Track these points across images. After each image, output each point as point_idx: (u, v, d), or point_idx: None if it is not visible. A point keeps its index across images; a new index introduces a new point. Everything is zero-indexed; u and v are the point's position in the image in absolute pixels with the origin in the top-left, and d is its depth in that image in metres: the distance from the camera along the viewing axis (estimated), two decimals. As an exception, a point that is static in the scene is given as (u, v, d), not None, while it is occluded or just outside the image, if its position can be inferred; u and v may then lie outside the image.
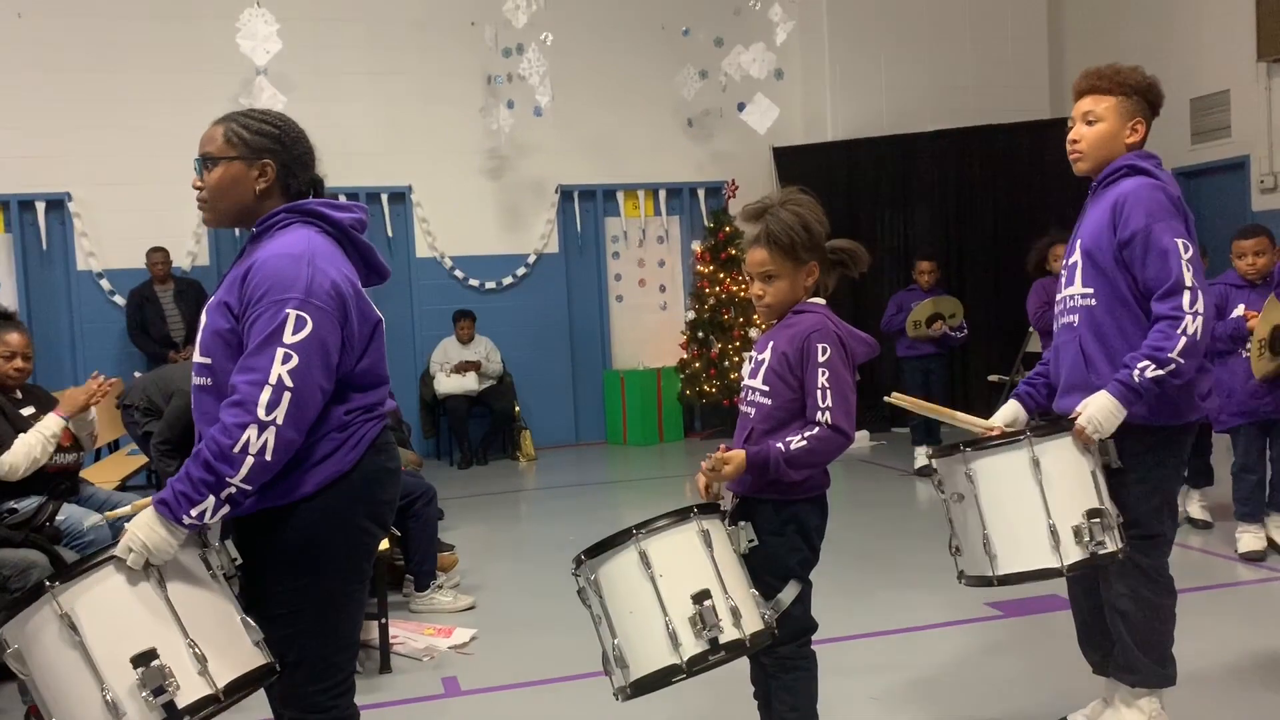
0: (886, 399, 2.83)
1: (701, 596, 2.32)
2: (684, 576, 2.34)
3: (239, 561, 2.18)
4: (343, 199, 2.39)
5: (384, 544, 4.13)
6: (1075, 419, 2.61)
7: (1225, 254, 5.05)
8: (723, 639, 2.31)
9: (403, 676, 3.93)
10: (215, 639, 2.06)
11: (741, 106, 9.22)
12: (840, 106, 9.77)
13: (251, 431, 2.03)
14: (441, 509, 6.51)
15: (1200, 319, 2.55)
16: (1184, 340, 2.53)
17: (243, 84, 8.24)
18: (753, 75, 9.02)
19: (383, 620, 4.01)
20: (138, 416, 5.17)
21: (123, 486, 4.49)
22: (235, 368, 2.10)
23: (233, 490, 2.04)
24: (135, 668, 1.97)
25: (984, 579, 2.51)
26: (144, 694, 1.96)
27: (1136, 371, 2.54)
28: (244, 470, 2.03)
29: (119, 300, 8.57)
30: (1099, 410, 2.57)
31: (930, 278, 7.57)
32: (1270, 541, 4.91)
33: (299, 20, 8.36)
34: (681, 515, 2.41)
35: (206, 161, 2.27)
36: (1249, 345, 4.73)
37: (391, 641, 4.10)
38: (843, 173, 9.49)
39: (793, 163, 9.55)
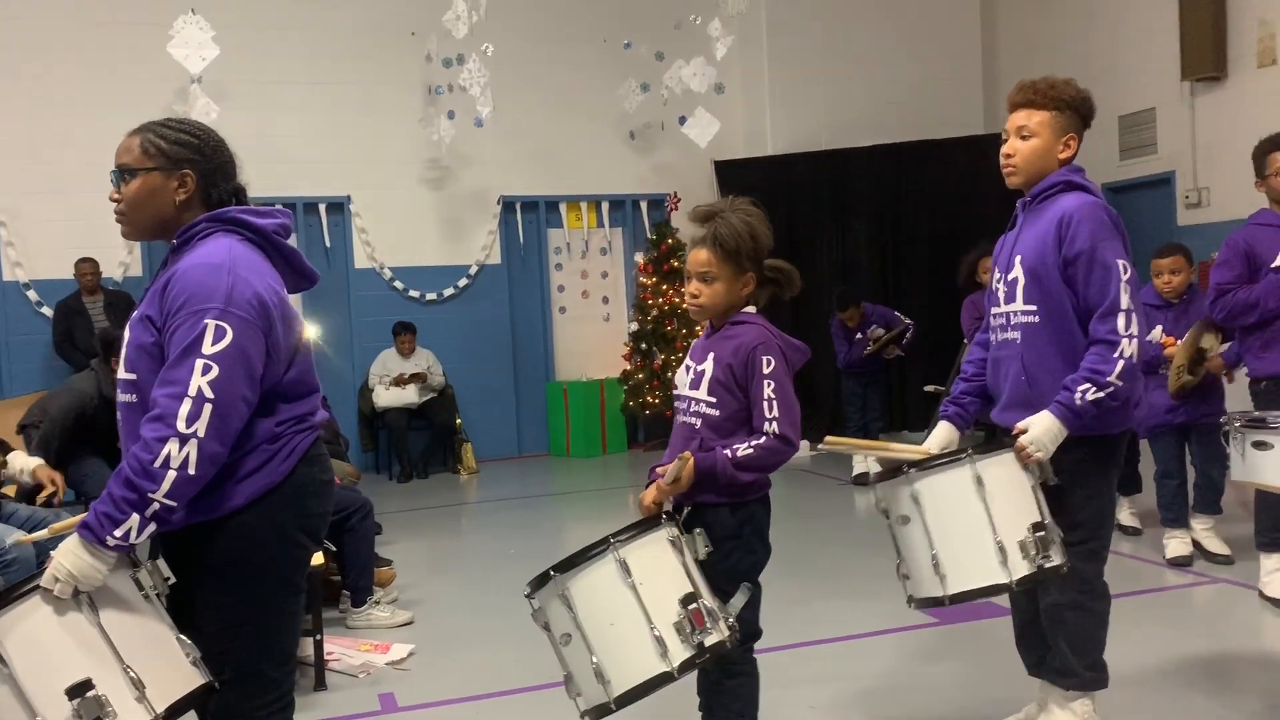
0: (821, 446, 2.84)
1: (688, 600, 2.33)
2: (665, 583, 2.35)
3: (171, 580, 2.13)
4: (279, 207, 2.36)
5: (319, 559, 4.07)
6: (1017, 436, 2.64)
7: (1147, 269, 5.18)
8: (709, 641, 2.33)
9: (339, 693, 3.87)
10: (151, 662, 2.01)
11: (683, 120, 9.28)
12: (779, 121, 9.87)
13: (172, 445, 1.98)
14: (380, 523, 6.43)
15: (1135, 341, 2.61)
16: (1121, 364, 2.59)
17: (177, 93, 8.11)
18: (693, 89, 9.09)
19: (318, 636, 3.95)
20: (34, 435, 5.07)
21: (47, 503, 4.37)
22: (155, 381, 2.06)
23: (157, 507, 1.99)
24: (70, 699, 1.91)
25: (935, 600, 2.52)
26: None
27: (1078, 395, 2.59)
28: (166, 485, 1.98)
29: (46, 312, 8.35)
30: (1043, 432, 2.61)
31: (855, 319, 7.59)
32: (1196, 544, 5.03)
33: (236, 28, 8.24)
34: (651, 522, 2.43)
35: (123, 173, 2.21)
36: (1163, 369, 4.86)
37: (327, 658, 4.04)
38: (782, 186, 9.59)
39: (734, 176, 9.62)
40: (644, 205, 10.09)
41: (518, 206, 9.74)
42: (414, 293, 9.42)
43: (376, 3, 9.15)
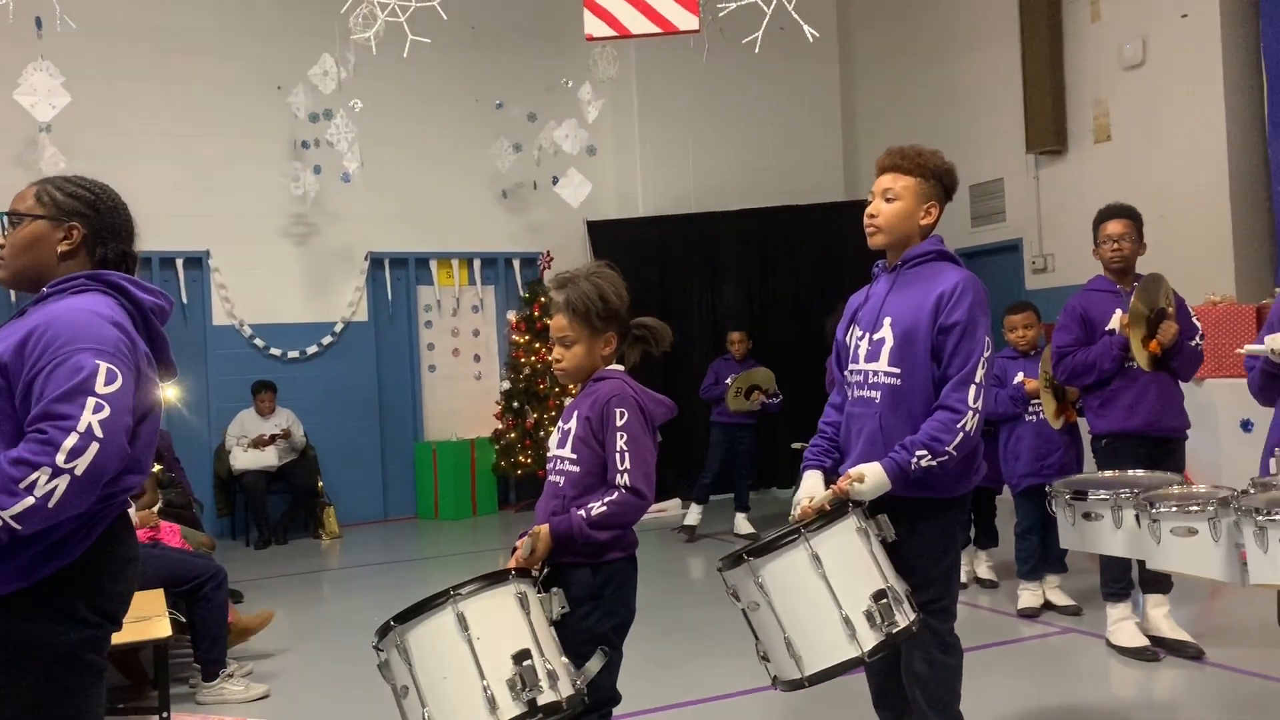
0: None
1: (522, 656, 2.30)
2: (502, 638, 2.33)
3: None
4: (161, 290, 2.28)
5: (168, 631, 3.86)
6: (841, 482, 2.69)
7: (999, 329, 5.42)
8: (541, 700, 2.29)
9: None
10: None
11: (555, 180, 9.34)
12: (650, 183, 10.05)
13: (43, 474, 1.88)
14: (240, 591, 6.17)
15: (978, 417, 2.70)
16: (961, 435, 2.67)
17: (25, 141, 7.74)
18: (566, 150, 9.18)
19: (164, 714, 3.74)
20: None
21: None
22: (34, 414, 1.93)
23: None
24: None
25: (795, 682, 2.51)
26: None
27: (914, 459, 2.65)
28: (19, 509, 1.87)
29: None
30: (872, 485, 2.65)
31: (741, 347, 7.84)
32: (1046, 600, 5.22)
33: (89, 77, 7.94)
34: (498, 577, 2.41)
35: (11, 218, 2.20)
36: (1032, 407, 5.09)
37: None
38: (654, 247, 9.73)
39: (606, 236, 9.72)
40: (516, 263, 10.07)
41: (386, 263, 9.60)
42: (275, 350, 9.14)
43: (240, 55, 8.97)
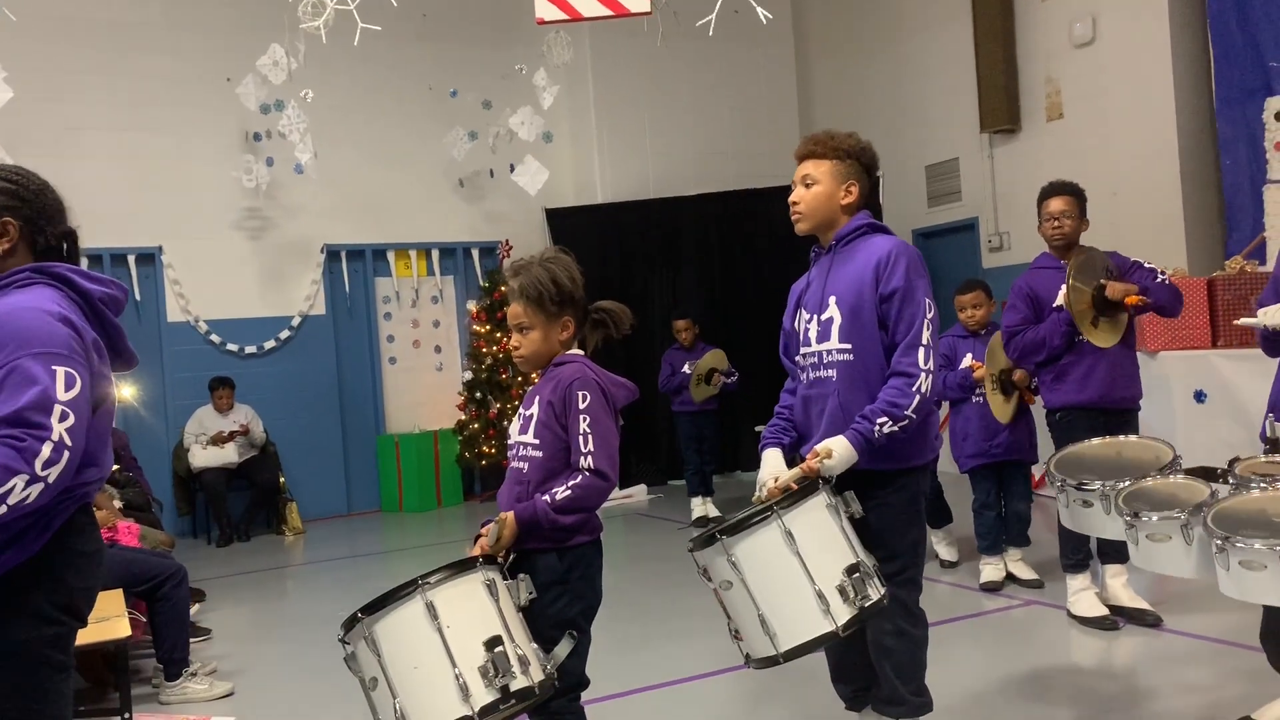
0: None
1: (493, 643, 2.30)
2: (472, 625, 2.32)
3: None
4: (113, 279, 2.22)
5: (127, 630, 3.81)
6: (809, 460, 2.71)
7: (952, 307, 5.47)
8: (514, 686, 2.30)
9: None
10: None
11: (512, 168, 9.29)
12: (608, 169, 10.01)
13: (20, 481, 1.87)
14: (202, 589, 6.09)
15: (931, 377, 2.75)
16: (918, 398, 2.71)
17: (-35, 137, 7.56)
18: (522, 137, 9.12)
19: (126, 715, 3.69)
20: None
21: None
22: (2, 417, 1.90)
23: None
24: None
25: (770, 659, 2.53)
26: None
27: (877, 427, 2.69)
28: None
29: None
30: (840, 458, 2.68)
31: (689, 335, 7.82)
32: (1009, 573, 5.29)
33: (32, 71, 7.78)
34: (465, 565, 2.41)
35: None
36: (978, 391, 5.15)
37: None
38: (613, 233, 9.71)
39: (564, 224, 9.68)
40: (475, 253, 10.01)
41: (343, 255, 9.51)
42: (232, 346, 9.02)
43: (188, 47, 8.82)
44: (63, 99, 8.33)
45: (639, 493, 9.09)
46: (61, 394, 1.94)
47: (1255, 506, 2.59)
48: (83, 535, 2.11)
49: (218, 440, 8.38)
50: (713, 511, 7.66)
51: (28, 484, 1.88)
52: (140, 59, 8.68)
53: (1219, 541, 2.48)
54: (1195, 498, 2.76)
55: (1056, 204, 4.44)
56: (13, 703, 2.00)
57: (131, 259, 8.67)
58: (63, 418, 1.93)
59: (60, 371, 1.95)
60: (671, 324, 7.99)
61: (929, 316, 2.77)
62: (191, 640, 4.66)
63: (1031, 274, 4.54)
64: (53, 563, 2.03)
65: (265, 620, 5.97)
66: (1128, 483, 2.97)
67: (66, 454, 1.93)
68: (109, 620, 3.85)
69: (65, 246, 2.20)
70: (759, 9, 5.97)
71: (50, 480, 1.91)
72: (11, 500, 1.86)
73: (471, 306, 9.78)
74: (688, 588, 5.69)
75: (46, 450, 1.90)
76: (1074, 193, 4.47)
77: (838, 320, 2.84)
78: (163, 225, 8.74)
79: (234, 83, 8.49)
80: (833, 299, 2.87)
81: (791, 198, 2.95)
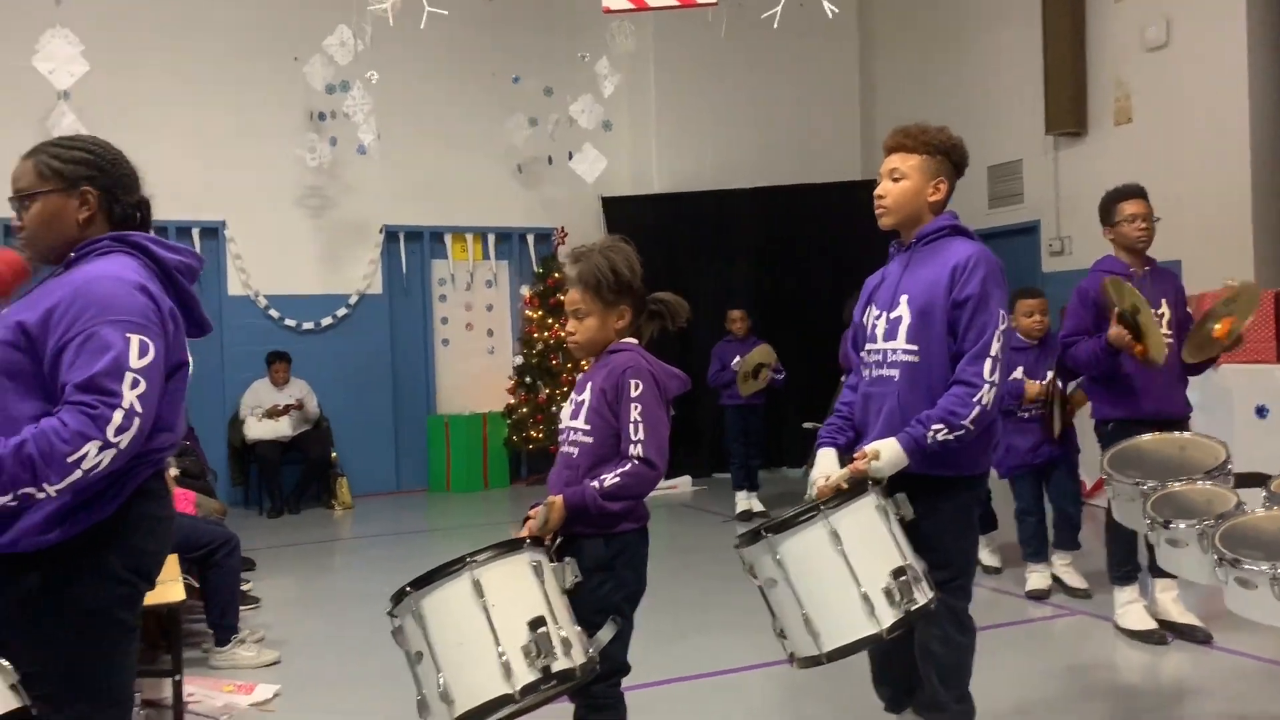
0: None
1: (537, 624, 2.32)
2: (517, 605, 2.34)
3: None
4: (191, 249, 2.28)
5: (181, 595, 3.90)
6: (857, 460, 2.70)
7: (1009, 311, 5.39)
8: (555, 667, 2.31)
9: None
10: None
11: (571, 155, 9.33)
12: (665, 159, 10.01)
13: (93, 447, 1.92)
14: (252, 559, 6.22)
15: (995, 390, 2.70)
16: (978, 409, 2.66)
17: (43, 110, 7.75)
18: (582, 125, 9.15)
19: (177, 677, 3.77)
20: None
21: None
22: (74, 385, 1.95)
23: (37, 496, 1.91)
24: None
25: (814, 659, 2.52)
26: None
27: (930, 433, 2.65)
28: (66, 482, 1.91)
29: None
30: (888, 460, 2.66)
31: (742, 325, 7.82)
32: (1055, 579, 5.22)
33: (106, 46, 7.94)
34: (513, 546, 2.43)
35: (22, 199, 2.15)
36: (1026, 408, 5.08)
37: (186, 700, 3.85)
38: (667, 224, 9.70)
39: (620, 212, 9.70)
40: (530, 239, 10.07)
41: (401, 236, 9.61)
42: (290, 321, 9.17)
43: (258, 26, 8.96)
44: (135, 74, 8.50)
45: (683, 484, 9.10)
46: (135, 361, 1.99)
47: (1275, 525, 2.56)
48: (154, 500, 2.16)
49: (273, 413, 8.53)
50: (757, 506, 7.66)
51: (100, 450, 1.92)
52: (211, 36, 8.83)
53: (1217, 557, 2.47)
54: (1220, 507, 2.72)
55: (1137, 206, 4.34)
56: (83, 657, 2.06)
57: (196, 233, 8.84)
58: (134, 385, 1.97)
59: (135, 339, 2.00)
60: (726, 314, 7.98)
61: (1001, 328, 2.72)
62: (240, 608, 4.76)
63: (1094, 278, 4.46)
64: (125, 525, 2.08)
65: (312, 592, 6.08)
66: (1162, 484, 2.94)
67: (138, 420, 1.97)
68: (164, 584, 3.92)
69: (139, 215, 2.24)
70: (825, 3, 5.92)
71: (122, 446, 1.95)
72: (85, 465, 1.91)
73: (524, 292, 9.85)
74: (729, 581, 5.70)
75: (118, 417, 1.94)
76: (1146, 195, 4.40)
77: (906, 320, 2.80)
78: (227, 200, 8.90)
79: (301, 62, 8.61)
80: (904, 298, 2.83)
81: (877, 190, 2.89)
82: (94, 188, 2.17)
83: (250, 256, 9.07)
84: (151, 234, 2.24)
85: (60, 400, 1.97)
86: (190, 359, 2.22)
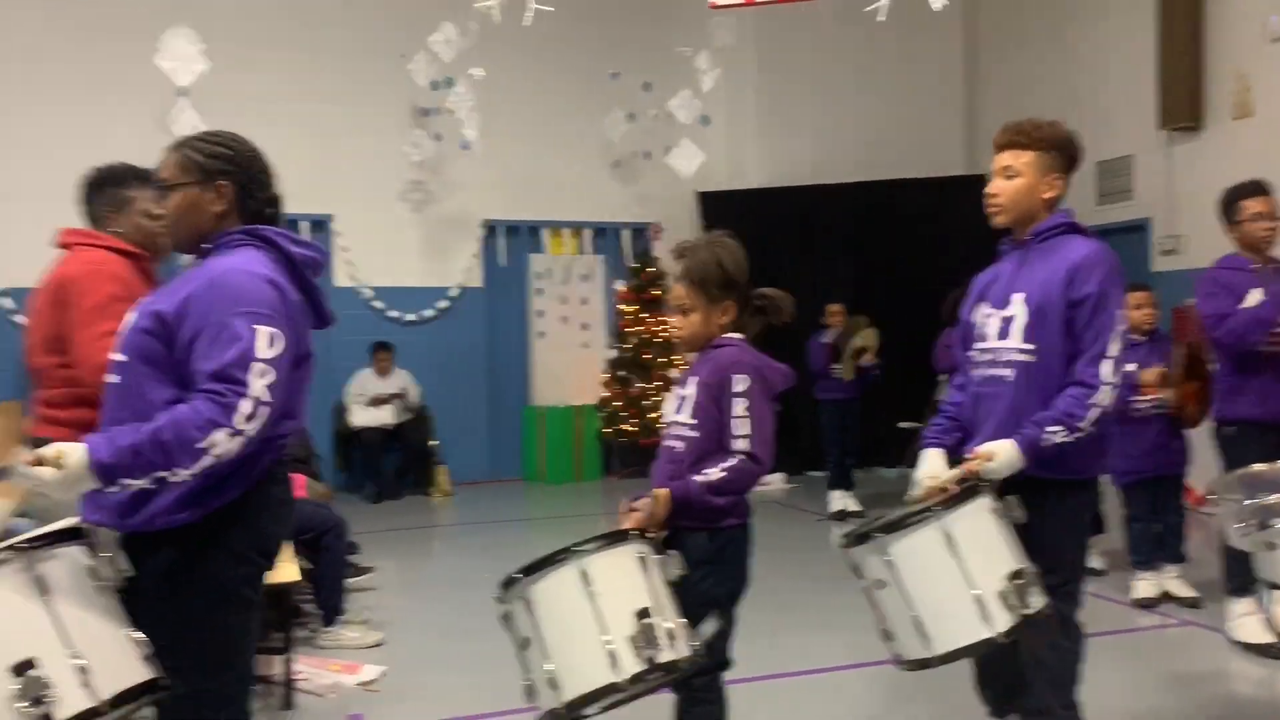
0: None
1: (642, 615, 2.34)
2: (624, 596, 2.37)
3: (128, 573, 2.11)
4: (316, 243, 2.37)
5: (295, 575, 4.04)
6: (971, 460, 2.65)
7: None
8: (660, 659, 2.33)
9: (306, 714, 3.82)
10: (100, 651, 1.98)
11: (668, 150, 9.35)
12: (763, 154, 9.96)
13: (222, 434, 2.00)
14: (355, 542, 6.41)
15: (1113, 391, 2.64)
16: (1095, 411, 2.61)
17: (163, 105, 8.08)
18: (680, 120, 9.16)
19: (287, 655, 3.91)
20: None
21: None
22: (206, 373, 2.05)
23: (170, 480, 2.00)
24: (15, 677, 1.89)
25: (922, 662, 2.49)
26: (21, 704, 1.88)
27: (1045, 434, 2.60)
28: (197, 467, 2.00)
29: (20, 320, 8.26)
30: (1003, 462, 2.61)
31: (841, 319, 7.73)
32: (1164, 591, 5.07)
33: (222, 44, 8.23)
34: (620, 537, 2.46)
35: (163, 188, 2.27)
36: (1139, 404, 4.92)
37: (295, 677, 3.99)
38: (764, 218, 9.62)
39: (716, 207, 9.68)
40: (626, 233, 10.13)
41: (500, 230, 9.76)
42: (393, 313, 9.41)
43: (365, 23, 9.19)
44: (250, 70, 8.78)
45: (776, 481, 9.06)
46: (263, 352, 2.07)
47: None
48: (278, 484, 2.26)
49: (376, 402, 8.77)
50: (852, 506, 7.58)
51: (229, 437, 2.01)
52: (320, 33, 9.09)
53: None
54: None
55: (1264, 203, 4.18)
56: (211, 632, 2.16)
57: (305, 225, 9.11)
58: (262, 374, 2.06)
59: (263, 331, 2.08)
60: (824, 309, 7.87)
61: (1119, 329, 2.67)
62: (351, 581, 4.89)
63: (1218, 273, 4.30)
64: (251, 507, 2.17)
65: (413, 577, 6.24)
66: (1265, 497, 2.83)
67: (265, 409, 2.05)
68: (278, 564, 4.08)
69: (271, 211, 2.33)
70: (931, -4, 5.82)
71: (250, 433, 2.04)
72: (215, 451, 2.00)
73: (620, 286, 9.91)
74: (823, 581, 5.68)
75: (246, 406, 2.03)
76: (1272, 192, 4.24)
77: (1021, 319, 2.75)
78: (334, 194, 9.15)
79: (406, 59, 8.81)
80: (1019, 296, 2.77)
81: (989, 188, 2.84)
82: (230, 182, 2.25)
83: (356, 249, 9.32)
84: (281, 229, 2.32)
85: (193, 388, 2.06)
86: (314, 350, 2.30)
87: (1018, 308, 2.77)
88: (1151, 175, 8.85)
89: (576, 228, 10.05)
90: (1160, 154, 8.76)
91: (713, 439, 2.63)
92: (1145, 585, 5.06)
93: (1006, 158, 2.82)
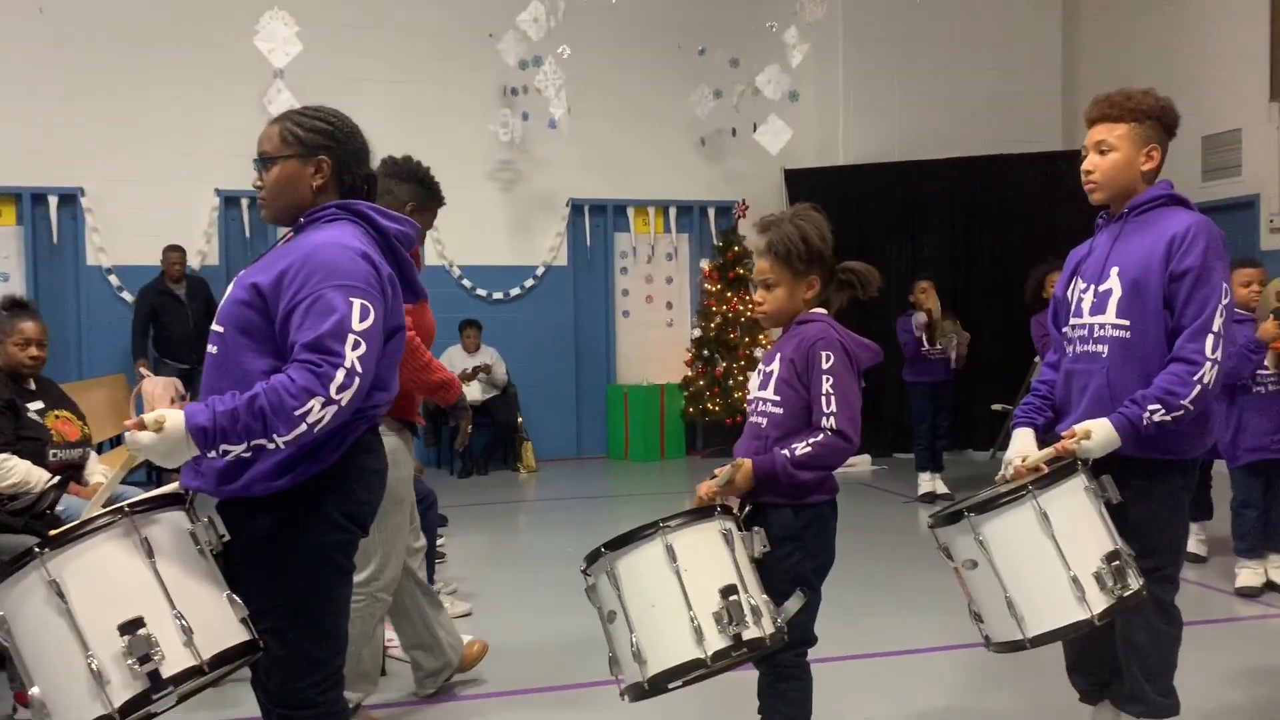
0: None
1: (728, 591, 2.35)
2: (709, 572, 2.37)
3: (226, 538, 2.18)
4: (409, 219, 2.40)
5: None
6: (1066, 439, 2.58)
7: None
8: (746, 635, 2.34)
9: (396, 680, 3.92)
10: (201, 612, 2.05)
11: (755, 127, 9.26)
12: (852, 131, 9.81)
13: (317, 403, 2.05)
14: (445, 515, 6.54)
15: (1218, 368, 2.54)
16: (1198, 389, 2.52)
17: (260, 86, 8.29)
18: (767, 96, 9.07)
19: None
20: None
21: (124, 480, 4.49)
22: (302, 344, 2.09)
23: (267, 447, 2.05)
24: (122, 635, 1.96)
25: (1015, 644, 2.45)
26: (129, 662, 1.95)
27: (1146, 414, 2.52)
28: (293, 435, 2.05)
29: (127, 297, 8.59)
30: (1100, 441, 2.54)
31: (930, 296, 7.52)
32: (1269, 580, 4.88)
33: (317, 26, 8.40)
34: (705, 513, 2.46)
35: (264, 161, 2.31)
36: (1262, 378, 4.72)
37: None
38: (853, 197, 9.51)
39: (803, 185, 9.57)
40: (711, 212, 10.08)
41: (586, 209, 9.80)
42: (481, 291, 9.53)
43: (455, 3, 9.27)
44: (341, 52, 8.95)
45: (862, 462, 8.96)
46: (357, 324, 2.11)
47: None
48: (371, 453, 2.30)
49: (464, 377, 8.90)
50: (941, 488, 7.46)
51: (323, 406, 2.05)
52: (410, 14, 9.20)
53: None
54: None
55: None
56: (306, 596, 2.22)
57: (395, 204, 9.26)
58: (355, 346, 2.09)
59: (357, 303, 2.12)
60: (914, 283, 7.69)
61: (1224, 302, 2.56)
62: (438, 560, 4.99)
63: None
64: (344, 475, 2.22)
65: (500, 550, 6.34)
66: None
67: (358, 380, 2.09)
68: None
69: (366, 187, 2.37)
70: (1029, -35, 5.64)
71: (343, 403, 2.08)
72: (310, 420, 2.05)
73: (704, 265, 9.88)
74: (914, 562, 5.62)
75: (340, 376, 2.07)
76: None
77: (1117, 293, 2.66)
78: (424, 173, 9.27)
79: (495, 38, 8.87)
80: (1115, 270, 2.68)
81: (1085, 165, 2.74)
82: (329, 157, 2.30)
83: (445, 228, 9.39)
84: (375, 204, 2.36)
85: (289, 358, 2.12)
86: (407, 323, 2.34)
87: (1113, 282, 2.68)
88: (1261, 149, 8.48)
89: (662, 206, 10.04)
90: (1271, 126, 8.38)
91: (798, 415, 2.60)
92: (1248, 574, 4.88)
93: (1100, 132, 2.73)
